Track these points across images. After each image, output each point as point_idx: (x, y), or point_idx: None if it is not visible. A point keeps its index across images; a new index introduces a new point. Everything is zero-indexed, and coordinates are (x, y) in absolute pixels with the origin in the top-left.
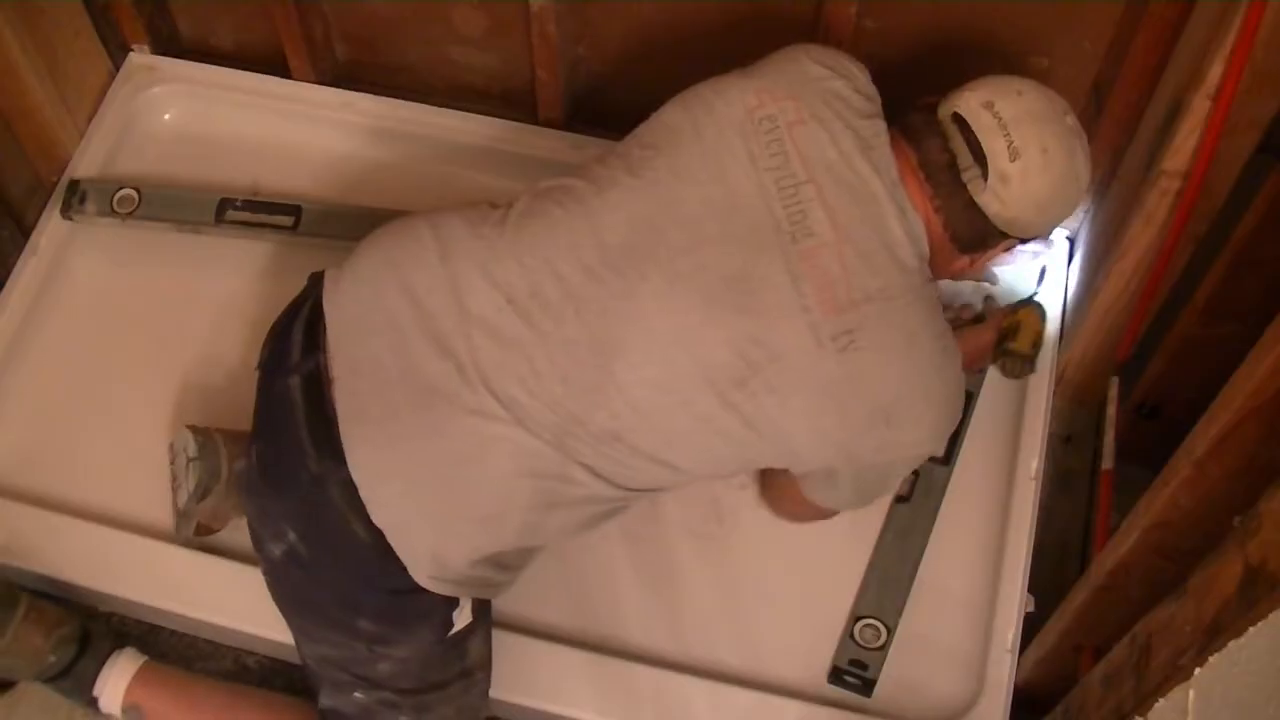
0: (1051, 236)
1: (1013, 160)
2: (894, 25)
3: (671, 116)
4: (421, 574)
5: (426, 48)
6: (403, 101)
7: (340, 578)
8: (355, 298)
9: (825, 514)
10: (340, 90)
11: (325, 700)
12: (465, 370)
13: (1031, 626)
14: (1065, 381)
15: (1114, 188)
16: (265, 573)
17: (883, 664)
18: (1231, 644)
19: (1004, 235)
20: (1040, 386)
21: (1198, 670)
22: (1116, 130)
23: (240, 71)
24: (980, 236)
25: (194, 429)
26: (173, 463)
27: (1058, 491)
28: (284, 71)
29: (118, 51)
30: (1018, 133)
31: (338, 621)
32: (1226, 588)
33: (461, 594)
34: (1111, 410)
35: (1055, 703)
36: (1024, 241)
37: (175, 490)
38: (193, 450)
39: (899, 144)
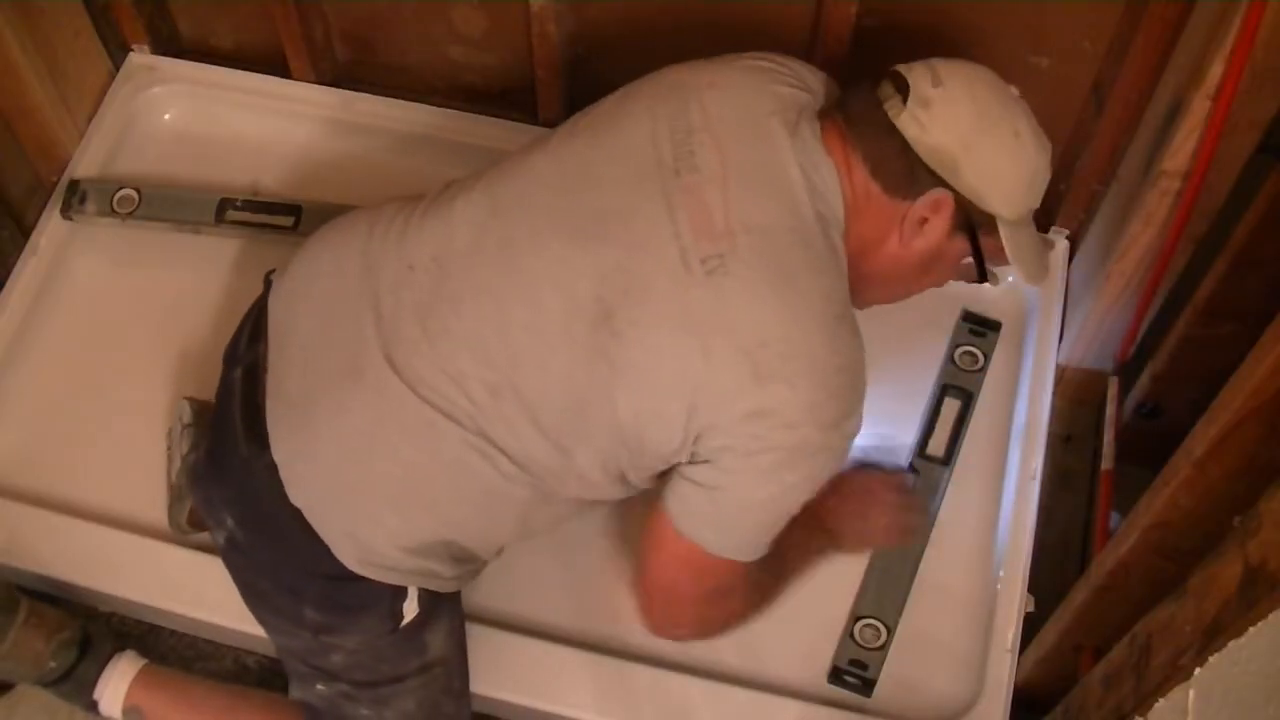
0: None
1: (935, 86)
2: (894, 25)
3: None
4: (348, 557)
5: (426, 48)
6: (403, 101)
7: (277, 562)
8: (292, 287)
9: (701, 610)
10: (340, 90)
11: (294, 692)
12: (370, 343)
13: (1031, 626)
14: (1065, 381)
15: (1114, 188)
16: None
17: (883, 664)
18: (1231, 644)
19: (934, 177)
20: (1040, 386)
21: (1198, 670)
22: (1116, 130)
23: (240, 71)
24: (905, 170)
25: (192, 400)
26: (170, 448)
27: (1058, 491)
28: (284, 71)
29: (118, 51)
30: (947, 72)
31: (284, 610)
32: (1226, 588)
33: (403, 583)
34: (1111, 410)
35: (1055, 703)
36: (965, 210)
37: (170, 472)
38: (188, 417)
39: (832, 116)
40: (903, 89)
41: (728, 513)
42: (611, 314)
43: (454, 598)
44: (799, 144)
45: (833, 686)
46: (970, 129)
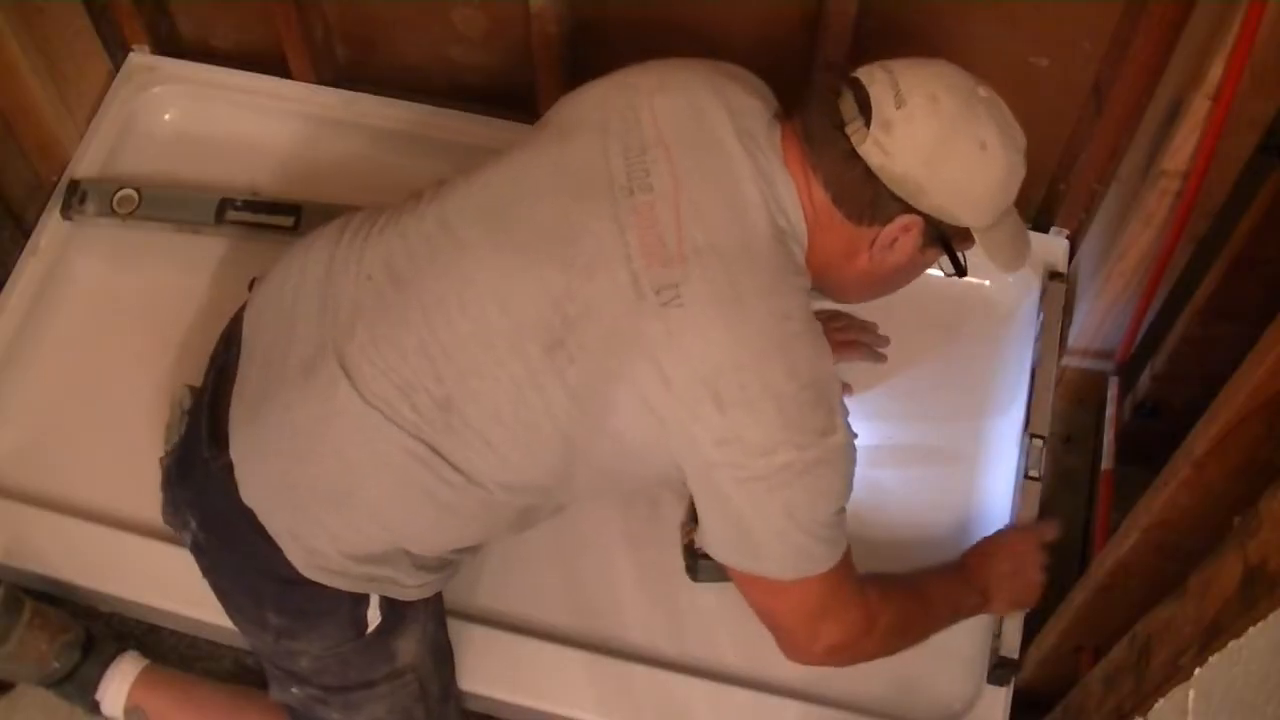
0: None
1: (898, 107)
2: (894, 25)
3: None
4: (297, 560)
5: (426, 48)
6: (403, 101)
7: (237, 565)
8: (265, 293)
9: (816, 632)
10: (340, 90)
11: (273, 693)
12: (325, 347)
13: (1031, 626)
14: (1065, 381)
15: (1114, 188)
16: None
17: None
18: (1231, 644)
19: (900, 203)
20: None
21: (1198, 670)
22: (1116, 130)
23: (240, 71)
24: (869, 199)
25: (192, 388)
26: (168, 441)
27: (1058, 491)
28: (284, 71)
29: (118, 51)
30: (906, 82)
31: (248, 613)
32: (1226, 588)
33: (357, 589)
34: (1111, 410)
35: (1055, 703)
36: (936, 227)
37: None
38: (187, 403)
39: (790, 121)
40: (865, 108)
41: (759, 539)
42: (562, 342)
43: (428, 603)
44: (755, 154)
45: (990, 685)
46: (931, 149)
